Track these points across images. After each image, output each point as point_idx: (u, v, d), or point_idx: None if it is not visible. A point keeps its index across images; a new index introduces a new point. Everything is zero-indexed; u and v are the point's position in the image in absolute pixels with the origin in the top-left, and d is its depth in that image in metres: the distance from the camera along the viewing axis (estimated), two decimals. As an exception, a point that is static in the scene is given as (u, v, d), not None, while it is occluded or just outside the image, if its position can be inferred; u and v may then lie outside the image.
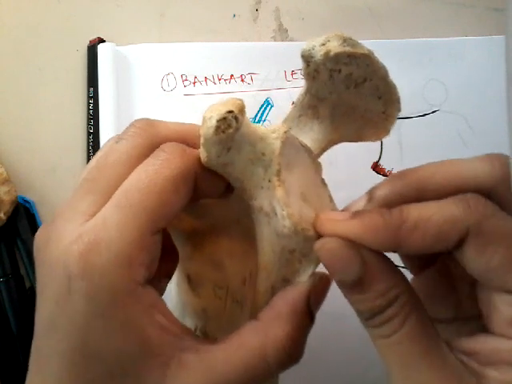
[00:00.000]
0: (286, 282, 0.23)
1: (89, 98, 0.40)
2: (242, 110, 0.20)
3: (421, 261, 0.25)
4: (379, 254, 0.20)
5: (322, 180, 0.24)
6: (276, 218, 0.21)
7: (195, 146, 0.22)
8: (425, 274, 0.25)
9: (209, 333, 0.27)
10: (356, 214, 0.21)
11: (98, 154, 0.23)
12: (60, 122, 0.41)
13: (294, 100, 0.25)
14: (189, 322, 0.27)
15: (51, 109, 0.41)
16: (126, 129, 0.23)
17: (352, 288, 0.20)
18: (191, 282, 0.27)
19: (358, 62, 0.23)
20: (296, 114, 0.25)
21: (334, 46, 0.22)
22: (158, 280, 0.24)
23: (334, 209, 0.23)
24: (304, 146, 0.24)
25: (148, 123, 0.23)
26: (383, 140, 0.42)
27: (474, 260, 0.19)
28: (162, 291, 0.25)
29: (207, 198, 0.23)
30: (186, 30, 0.42)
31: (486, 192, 0.20)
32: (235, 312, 0.26)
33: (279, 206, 0.21)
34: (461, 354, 0.20)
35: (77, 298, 0.19)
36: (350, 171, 0.39)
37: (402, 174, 0.22)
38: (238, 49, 0.41)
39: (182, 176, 0.21)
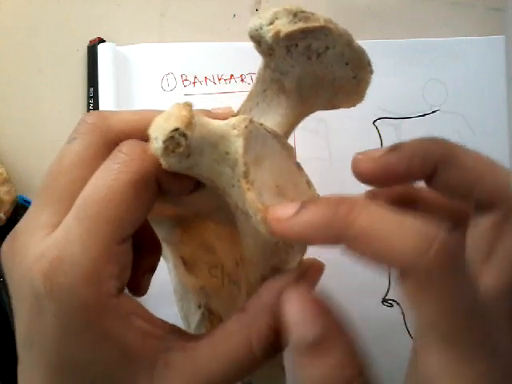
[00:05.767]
0: (276, 270, 0.22)
1: (89, 98, 0.40)
2: (189, 123, 0.18)
3: None
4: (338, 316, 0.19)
5: (297, 164, 0.22)
6: (252, 219, 0.20)
7: None
8: None
9: (213, 309, 0.27)
10: (302, 206, 0.19)
11: (55, 158, 0.22)
12: (60, 121, 0.40)
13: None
14: (193, 301, 0.27)
15: (51, 109, 0.41)
16: (77, 125, 0.22)
17: (306, 352, 0.18)
18: (186, 264, 0.27)
19: (314, 35, 0.21)
20: (260, 90, 0.24)
21: (284, 25, 0.21)
22: (140, 277, 0.24)
23: (314, 195, 0.22)
24: (271, 132, 0.21)
25: (100, 117, 0.22)
26: (383, 140, 0.42)
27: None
28: (146, 287, 0.25)
29: (176, 196, 0.22)
30: (186, 30, 0.42)
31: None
32: (233, 291, 0.26)
33: (251, 211, 0.19)
34: None
35: (48, 318, 0.19)
36: (349, 171, 0.39)
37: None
38: (237, 49, 0.41)
39: (142, 180, 0.20)
